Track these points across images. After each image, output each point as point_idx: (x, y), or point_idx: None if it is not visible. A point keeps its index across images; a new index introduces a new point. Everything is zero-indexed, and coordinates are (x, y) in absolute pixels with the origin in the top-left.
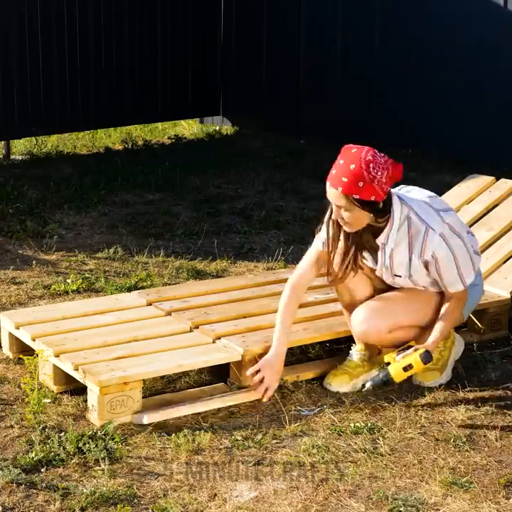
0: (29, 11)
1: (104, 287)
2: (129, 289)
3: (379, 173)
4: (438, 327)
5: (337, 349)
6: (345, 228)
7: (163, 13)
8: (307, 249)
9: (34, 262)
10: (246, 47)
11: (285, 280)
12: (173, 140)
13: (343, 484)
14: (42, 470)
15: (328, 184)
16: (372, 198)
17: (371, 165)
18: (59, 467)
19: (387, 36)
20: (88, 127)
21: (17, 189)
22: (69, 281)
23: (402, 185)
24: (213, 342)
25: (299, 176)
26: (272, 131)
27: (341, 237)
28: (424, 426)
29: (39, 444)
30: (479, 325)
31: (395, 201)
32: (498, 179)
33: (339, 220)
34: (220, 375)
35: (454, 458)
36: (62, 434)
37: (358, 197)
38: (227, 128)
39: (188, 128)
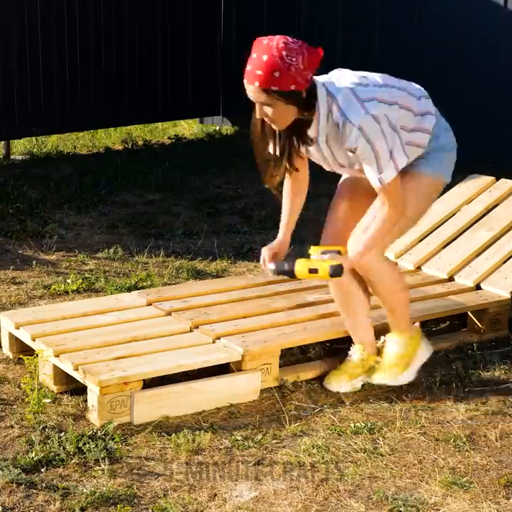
0: (29, 11)
1: (104, 287)
2: (129, 289)
3: (294, 59)
4: (362, 238)
5: (337, 349)
6: (273, 126)
7: (162, 13)
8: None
9: (34, 262)
10: (246, 47)
11: (285, 280)
12: (173, 140)
13: (343, 484)
14: (42, 470)
15: (245, 82)
16: (293, 87)
17: (284, 52)
18: (59, 467)
19: (387, 36)
20: (88, 127)
21: (17, 189)
22: (69, 281)
23: (336, 70)
24: (213, 342)
25: None
26: None
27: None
28: (424, 426)
29: (39, 444)
30: (479, 325)
31: (320, 93)
32: (498, 179)
33: (265, 119)
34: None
35: (454, 458)
36: (62, 434)
37: (277, 88)
38: (227, 128)
39: (188, 128)
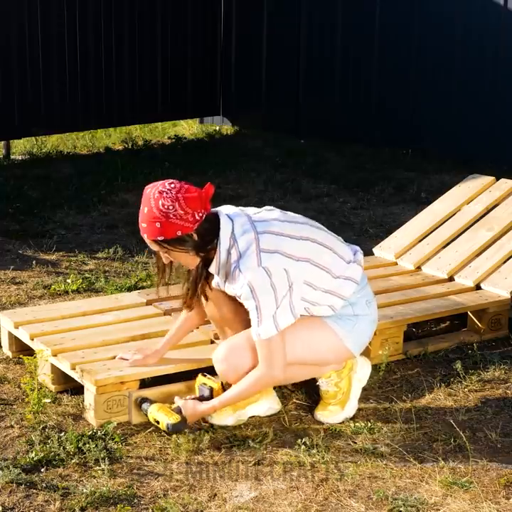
0: (29, 11)
1: (104, 287)
2: (129, 289)
3: (171, 207)
4: (228, 393)
5: None
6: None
7: (163, 13)
8: None
9: (34, 262)
10: (246, 47)
11: None
12: (173, 140)
13: (343, 484)
14: (42, 470)
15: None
16: (179, 233)
17: (160, 201)
18: (59, 467)
19: (387, 36)
20: (88, 127)
21: (17, 189)
22: (69, 281)
23: (265, 207)
24: (212, 342)
25: (299, 176)
26: (271, 131)
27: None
28: (425, 426)
29: (39, 444)
30: (479, 325)
31: (224, 233)
32: (498, 179)
33: (173, 261)
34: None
35: (454, 458)
36: (62, 434)
37: (163, 238)
38: (227, 128)
39: (188, 128)
